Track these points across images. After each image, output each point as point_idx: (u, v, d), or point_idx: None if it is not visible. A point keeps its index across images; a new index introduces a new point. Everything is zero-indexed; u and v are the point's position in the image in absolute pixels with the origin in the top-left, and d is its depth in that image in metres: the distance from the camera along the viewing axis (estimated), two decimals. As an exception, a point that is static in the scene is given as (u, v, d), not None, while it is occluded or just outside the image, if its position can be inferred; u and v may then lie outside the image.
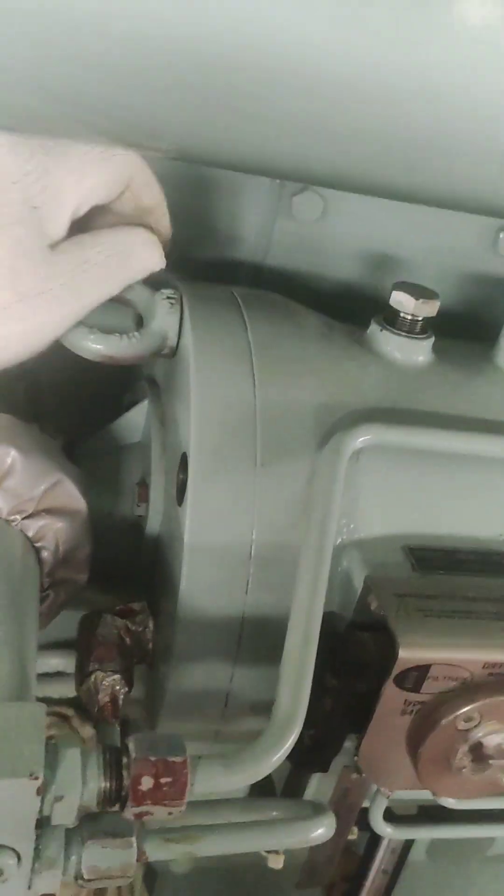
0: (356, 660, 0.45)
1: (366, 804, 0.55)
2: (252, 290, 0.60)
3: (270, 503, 0.49)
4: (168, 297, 0.52)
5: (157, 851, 0.36)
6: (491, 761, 0.44)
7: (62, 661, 0.58)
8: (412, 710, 0.44)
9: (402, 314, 0.56)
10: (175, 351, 0.53)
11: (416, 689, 0.43)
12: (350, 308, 0.75)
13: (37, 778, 0.31)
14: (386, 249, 0.72)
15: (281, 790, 0.54)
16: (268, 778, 0.61)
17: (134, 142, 0.51)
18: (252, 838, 0.38)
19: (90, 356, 0.50)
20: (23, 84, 0.46)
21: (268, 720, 0.53)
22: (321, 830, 0.39)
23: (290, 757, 0.51)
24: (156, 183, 0.51)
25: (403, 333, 0.56)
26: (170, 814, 0.34)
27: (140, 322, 0.53)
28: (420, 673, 0.42)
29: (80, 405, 0.65)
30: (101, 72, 0.38)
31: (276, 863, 0.47)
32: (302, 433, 0.50)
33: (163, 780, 0.33)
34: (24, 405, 0.60)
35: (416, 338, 0.56)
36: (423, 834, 0.58)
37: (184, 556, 0.47)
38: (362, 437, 0.50)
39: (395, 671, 0.42)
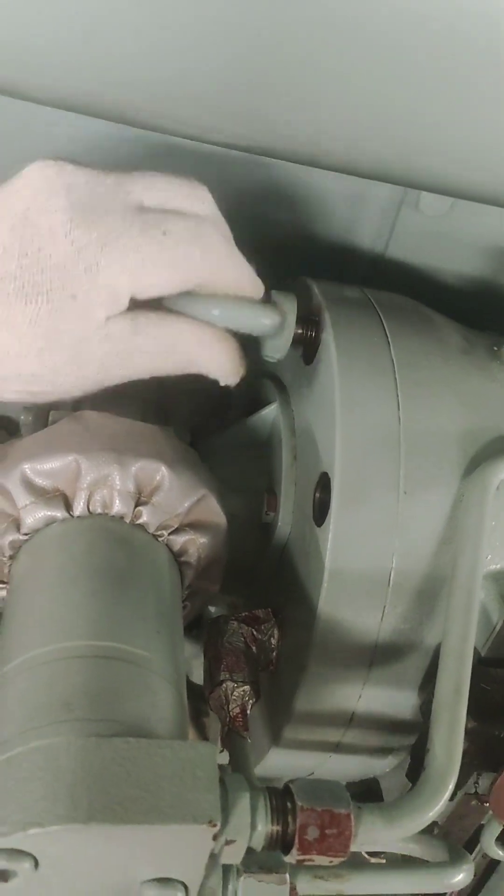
0: (494, 700, 0.45)
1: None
2: (386, 294, 0.59)
3: (412, 532, 0.48)
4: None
5: (308, 887, 0.37)
6: None
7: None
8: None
9: None
10: (310, 358, 0.53)
11: None
12: (473, 305, 0.73)
13: (215, 825, 0.32)
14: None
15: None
16: (374, 780, 0.62)
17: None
18: (397, 880, 0.39)
19: None
20: (178, 94, 0.45)
21: (390, 736, 0.54)
22: (461, 876, 0.39)
23: (410, 777, 0.52)
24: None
25: None
26: (331, 862, 0.34)
27: None
28: None
29: (205, 402, 0.65)
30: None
31: None
32: (445, 461, 0.50)
33: (328, 832, 0.34)
34: (155, 404, 0.60)
35: None
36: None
37: (324, 581, 0.48)
38: (509, 469, 0.49)
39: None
